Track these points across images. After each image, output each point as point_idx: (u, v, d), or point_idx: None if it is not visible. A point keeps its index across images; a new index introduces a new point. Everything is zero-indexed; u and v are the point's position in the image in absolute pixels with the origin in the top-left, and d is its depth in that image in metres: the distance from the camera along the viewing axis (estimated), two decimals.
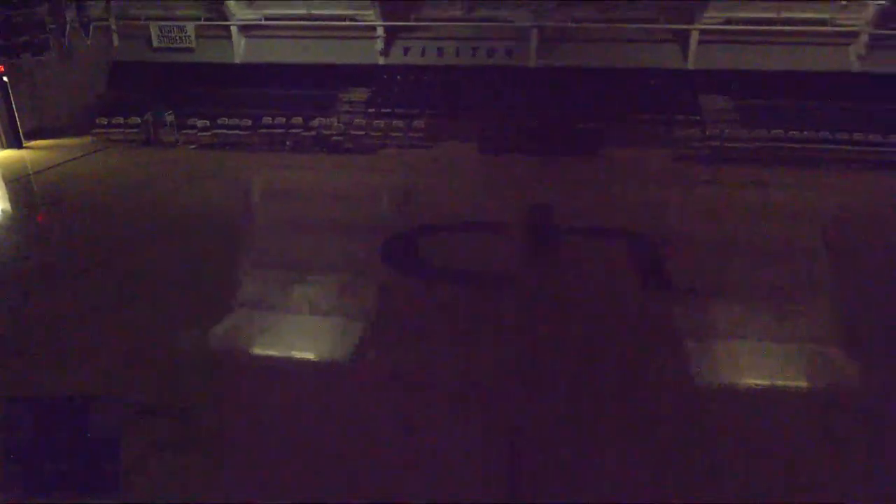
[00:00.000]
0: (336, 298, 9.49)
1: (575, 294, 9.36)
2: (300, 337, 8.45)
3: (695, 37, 18.35)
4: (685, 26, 18.32)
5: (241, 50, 20.30)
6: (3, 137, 17.40)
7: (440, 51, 19.34)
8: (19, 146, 17.53)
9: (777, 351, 7.89)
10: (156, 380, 7.12)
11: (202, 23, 19.98)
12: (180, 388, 6.98)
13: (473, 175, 15.82)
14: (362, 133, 18.16)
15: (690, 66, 18.64)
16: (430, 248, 11.23)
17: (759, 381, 7.25)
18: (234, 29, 19.95)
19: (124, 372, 7.23)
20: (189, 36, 20.02)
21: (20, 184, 15.08)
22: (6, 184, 15.03)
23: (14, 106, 17.34)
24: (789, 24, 17.93)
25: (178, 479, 5.65)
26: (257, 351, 8.06)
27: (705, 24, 18.18)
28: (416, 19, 19.21)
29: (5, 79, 16.90)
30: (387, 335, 8.33)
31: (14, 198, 14.33)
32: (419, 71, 19.57)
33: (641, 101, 18.40)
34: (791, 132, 16.82)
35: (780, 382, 7.27)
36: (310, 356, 7.96)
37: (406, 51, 19.61)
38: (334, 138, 17.96)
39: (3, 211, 13.66)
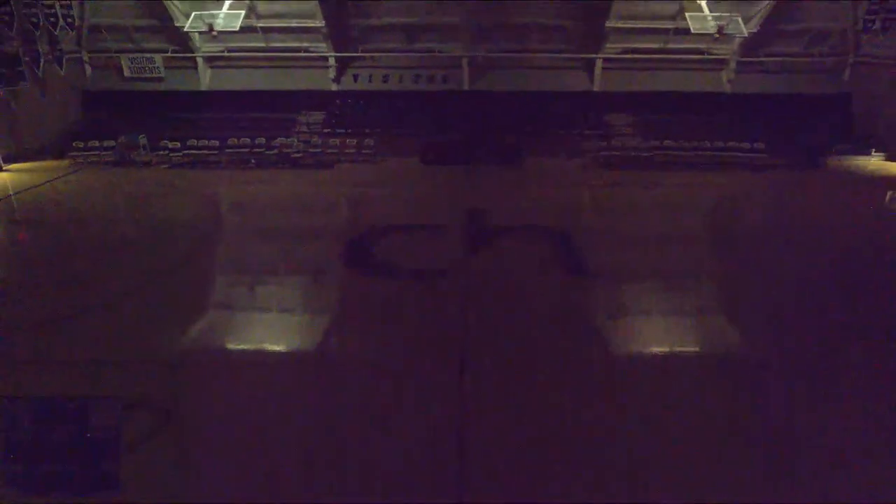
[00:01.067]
0: (300, 296, 9.39)
1: (503, 282, 9.54)
2: (269, 332, 8.30)
3: (599, 64, 18.98)
4: (590, 55, 18.90)
5: (206, 79, 19.72)
6: None
7: (386, 77, 19.33)
8: None
9: (668, 322, 8.29)
10: (131, 379, 6.79)
11: (170, 55, 19.26)
12: (155, 386, 6.68)
13: (417, 184, 15.86)
14: (319, 150, 17.95)
15: (596, 88, 19.25)
16: (382, 248, 11.19)
17: (657, 349, 7.61)
18: (199, 60, 19.35)
19: (102, 372, 6.90)
20: (158, 66, 19.28)
21: (1, 204, 14.16)
22: None
23: None
24: (674, 54, 18.77)
25: (159, 472, 5.41)
26: (231, 346, 7.87)
27: (607, 53, 18.81)
28: (364, 50, 19.15)
29: None
30: (345, 327, 8.28)
31: None
32: (367, 95, 19.53)
33: (555, 118, 18.87)
34: (677, 142, 17.62)
35: (675, 349, 7.64)
36: (278, 349, 7.83)
37: (356, 78, 19.53)
38: (294, 156, 17.68)
39: None
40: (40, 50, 17.03)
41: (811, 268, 10.01)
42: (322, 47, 18.92)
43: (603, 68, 19.04)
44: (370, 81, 19.38)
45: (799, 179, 16.14)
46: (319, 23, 17.97)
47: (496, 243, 11.39)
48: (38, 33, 16.81)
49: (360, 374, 6.98)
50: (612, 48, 18.74)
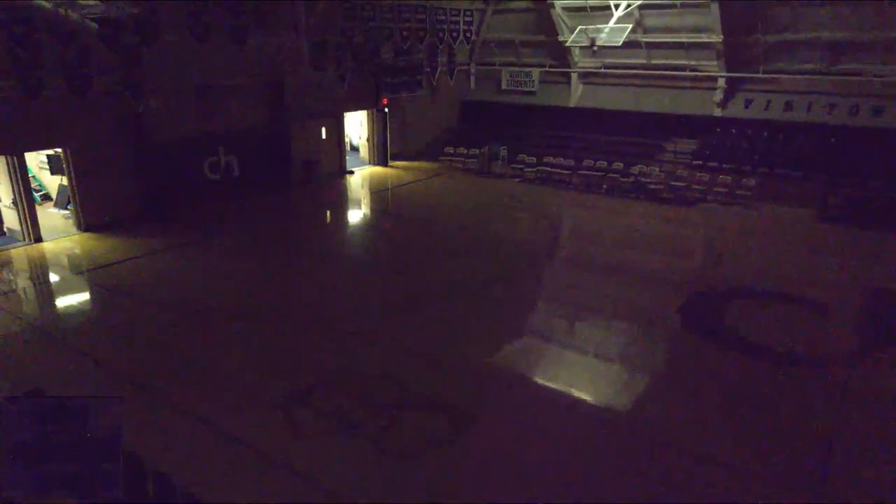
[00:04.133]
0: (622, 346, 9.24)
1: None
2: (577, 375, 8.43)
3: None
4: None
5: (576, 95, 21.25)
6: (375, 157, 21.19)
7: (788, 105, 17.43)
8: (385, 165, 21.15)
9: None
10: (440, 378, 7.87)
11: (546, 69, 21.50)
12: (456, 390, 7.59)
13: (804, 245, 13.68)
14: (683, 185, 17.30)
15: None
16: (736, 313, 10.29)
17: None
18: (573, 75, 21.00)
19: (405, 361, 8.19)
20: (533, 80, 21.73)
21: (380, 195, 18.21)
22: (370, 192, 18.32)
23: (388, 133, 21.00)
24: None
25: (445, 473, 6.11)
26: (535, 378, 8.28)
27: None
28: (765, 71, 17.61)
29: (386, 110, 20.52)
30: (662, 395, 7.89)
31: (373, 205, 17.38)
32: (758, 125, 17.91)
33: None
34: None
35: None
36: (584, 397, 7.85)
37: (748, 103, 18.13)
38: (651, 187, 17.51)
39: (364, 215, 16.67)
40: (439, 61, 21.17)
41: None
42: (712, 66, 18.23)
43: None
44: (766, 108, 17.75)
45: None
46: (716, 38, 17.37)
47: None
48: (440, 46, 20.93)
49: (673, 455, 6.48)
50: None
